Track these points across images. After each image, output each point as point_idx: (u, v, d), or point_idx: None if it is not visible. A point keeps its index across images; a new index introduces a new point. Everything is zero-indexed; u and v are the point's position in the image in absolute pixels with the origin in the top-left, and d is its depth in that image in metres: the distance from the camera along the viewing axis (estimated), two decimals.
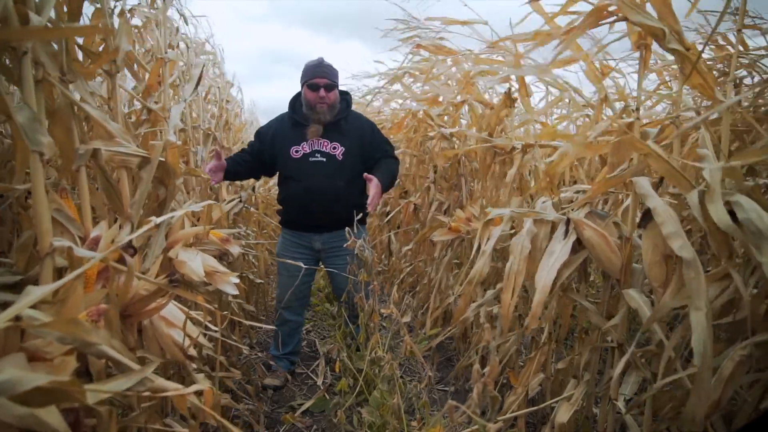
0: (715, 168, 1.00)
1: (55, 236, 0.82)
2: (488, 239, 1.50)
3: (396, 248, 3.78)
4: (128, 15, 1.62)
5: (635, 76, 2.39)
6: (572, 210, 1.41)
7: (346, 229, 1.85)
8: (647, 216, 1.14)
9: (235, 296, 2.30)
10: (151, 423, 1.00)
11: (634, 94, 1.33)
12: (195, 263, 1.10)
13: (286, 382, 2.42)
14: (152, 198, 1.26)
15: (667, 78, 2.34)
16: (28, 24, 0.79)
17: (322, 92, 2.25)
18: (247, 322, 1.52)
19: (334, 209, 2.27)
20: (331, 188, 2.28)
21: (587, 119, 2.67)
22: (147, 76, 1.58)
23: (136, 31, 1.70)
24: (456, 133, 2.69)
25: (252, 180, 2.96)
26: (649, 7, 1.16)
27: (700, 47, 1.15)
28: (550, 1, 1.40)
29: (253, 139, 2.52)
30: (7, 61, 0.81)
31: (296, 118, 2.36)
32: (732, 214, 0.98)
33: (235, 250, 1.46)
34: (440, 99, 2.84)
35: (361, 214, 2.05)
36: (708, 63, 1.92)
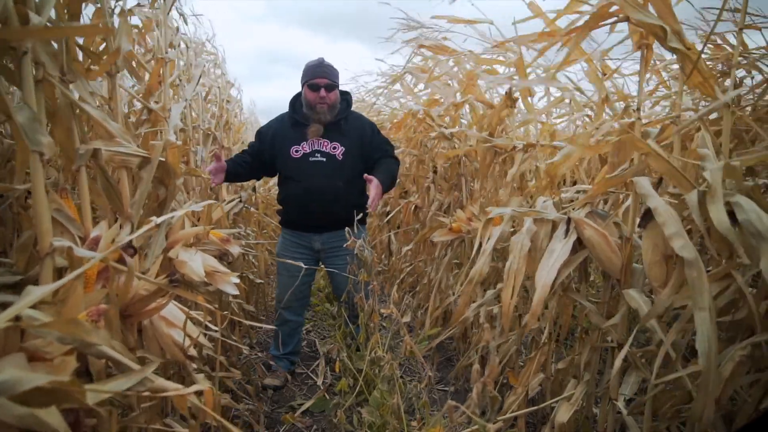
0: (716, 168, 1.00)
1: (55, 236, 0.82)
2: (489, 238, 1.50)
3: (396, 248, 3.78)
4: (128, 15, 1.62)
5: (633, 77, 2.40)
6: (573, 209, 1.41)
7: (346, 229, 1.85)
8: (647, 216, 1.14)
9: (235, 296, 2.30)
10: (151, 423, 1.00)
11: (633, 94, 1.33)
12: (195, 263, 1.10)
13: (286, 382, 2.42)
14: (152, 198, 1.26)
15: (666, 78, 2.34)
16: (28, 24, 0.79)
17: (322, 92, 2.25)
18: (247, 322, 1.51)
19: (334, 209, 2.27)
20: (331, 188, 2.28)
21: (586, 119, 2.67)
22: (147, 76, 1.58)
23: (136, 30, 1.70)
24: (456, 133, 2.69)
25: (252, 180, 2.96)
26: (649, 7, 1.16)
27: (699, 47, 1.15)
28: (550, 1, 1.41)
29: (253, 139, 2.52)
30: (8, 62, 0.81)
31: (296, 117, 2.36)
32: (731, 214, 0.98)
33: (235, 250, 1.46)
34: (441, 99, 2.84)
35: (361, 214, 2.05)
36: (707, 63, 1.91)
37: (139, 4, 1.63)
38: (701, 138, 1.21)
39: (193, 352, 1.06)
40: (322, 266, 2.49)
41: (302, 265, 1.97)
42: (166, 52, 1.64)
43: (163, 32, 1.67)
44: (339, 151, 2.31)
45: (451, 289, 2.56)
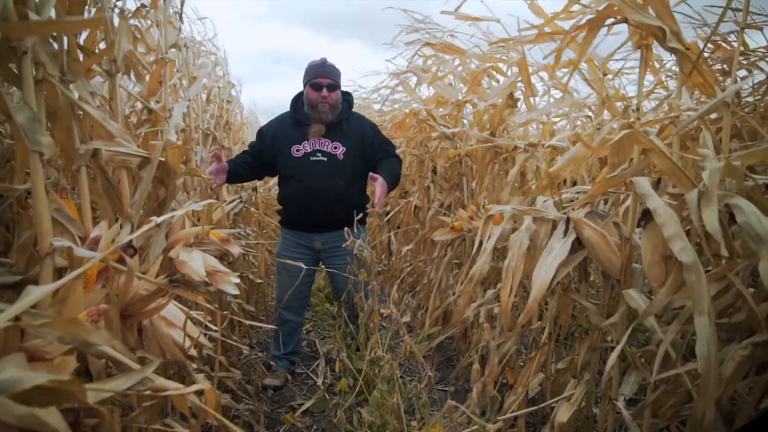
0: (715, 168, 1.00)
1: (55, 236, 0.82)
2: (489, 237, 1.50)
3: (396, 248, 3.78)
4: (139, 17, 1.63)
5: (631, 77, 2.40)
6: (573, 209, 1.41)
7: (345, 229, 1.85)
8: (646, 216, 1.14)
9: (235, 296, 2.30)
10: (152, 423, 1.00)
11: (631, 94, 1.33)
12: (196, 263, 1.10)
13: (286, 382, 2.42)
14: (152, 198, 1.26)
15: (664, 79, 2.34)
16: None
17: (324, 92, 2.26)
18: (247, 322, 1.51)
19: (334, 209, 2.27)
20: (332, 188, 2.28)
21: (585, 119, 2.67)
22: (148, 76, 1.58)
23: (135, 29, 1.70)
24: (458, 133, 2.69)
25: (254, 180, 2.96)
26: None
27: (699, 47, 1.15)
28: (551, 2, 1.40)
29: (253, 139, 2.52)
30: (8, 62, 0.81)
31: (298, 117, 2.36)
32: (731, 216, 0.97)
33: (235, 250, 1.46)
34: (445, 99, 2.84)
35: (361, 214, 2.05)
36: (708, 61, 1.91)
37: (142, 5, 1.64)
38: (702, 138, 1.21)
39: (193, 352, 1.06)
40: (322, 266, 2.49)
41: (302, 265, 1.97)
42: (167, 53, 1.64)
43: (163, 33, 1.67)
44: (340, 151, 2.31)
45: (451, 289, 2.56)
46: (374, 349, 1.75)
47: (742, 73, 1.92)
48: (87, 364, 0.82)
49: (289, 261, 2.18)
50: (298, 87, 2.40)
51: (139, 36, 1.61)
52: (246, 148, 2.53)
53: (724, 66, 1.99)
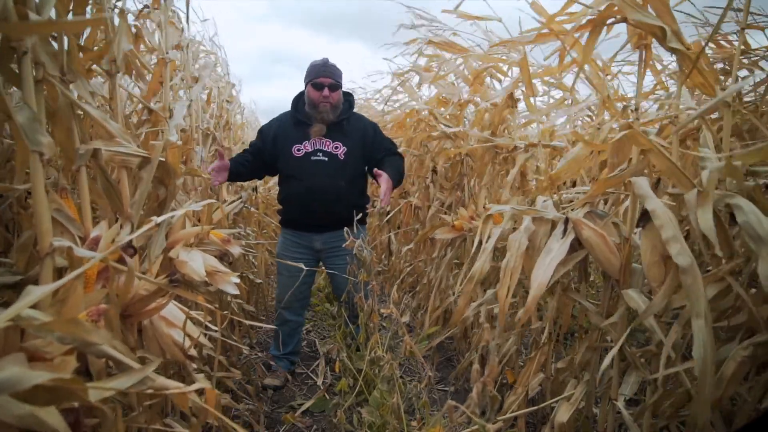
0: (714, 168, 1.00)
1: (55, 236, 0.82)
2: (489, 237, 1.50)
3: (396, 248, 3.78)
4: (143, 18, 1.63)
5: (629, 77, 2.40)
6: (572, 209, 1.41)
7: (345, 229, 1.85)
8: (646, 216, 1.14)
9: (235, 296, 2.30)
10: (152, 423, 1.00)
11: (630, 95, 1.33)
12: (196, 263, 1.10)
13: (286, 382, 2.42)
14: (152, 198, 1.26)
15: (664, 79, 2.34)
16: None
17: (326, 92, 2.26)
18: (247, 322, 1.52)
19: (335, 209, 2.27)
20: (333, 188, 2.28)
21: (586, 119, 2.67)
22: (149, 77, 1.58)
23: (136, 29, 1.70)
24: (459, 133, 2.69)
25: (254, 180, 2.96)
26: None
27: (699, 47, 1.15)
28: (552, 3, 1.40)
29: (253, 139, 2.52)
30: (8, 62, 0.81)
31: (299, 116, 2.36)
32: (731, 216, 0.97)
33: (235, 250, 1.46)
34: (447, 99, 2.84)
35: (361, 214, 2.05)
36: (709, 60, 1.91)
37: (146, 6, 1.64)
38: (703, 137, 1.21)
39: (193, 352, 1.06)
40: (322, 266, 2.49)
41: (303, 266, 1.97)
42: (167, 53, 1.65)
43: (164, 33, 1.67)
44: (341, 150, 2.31)
45: (451, 288, 2.56)
46: (374, 349, 1.75)
47: (743, 72, 1.92)
48: (87, 364, 0.82)
49: (289, 261, 2.18)
50: (299, 87, 2.40)
51: (138, 35, 1.61)
52: (246, 147, 2.52)
53: (726, 65, 1.99)
